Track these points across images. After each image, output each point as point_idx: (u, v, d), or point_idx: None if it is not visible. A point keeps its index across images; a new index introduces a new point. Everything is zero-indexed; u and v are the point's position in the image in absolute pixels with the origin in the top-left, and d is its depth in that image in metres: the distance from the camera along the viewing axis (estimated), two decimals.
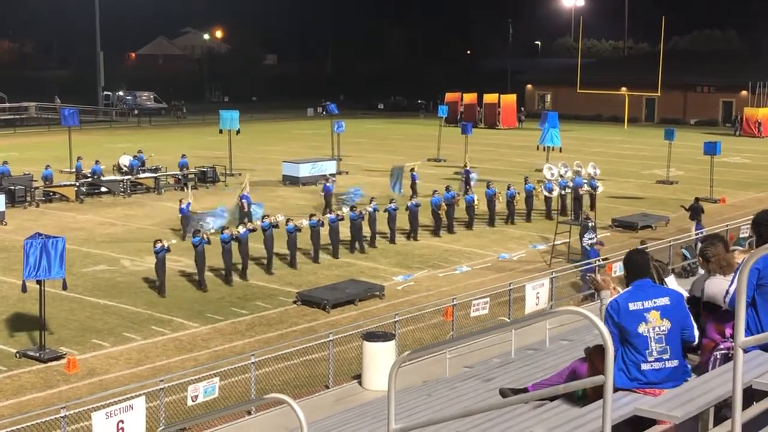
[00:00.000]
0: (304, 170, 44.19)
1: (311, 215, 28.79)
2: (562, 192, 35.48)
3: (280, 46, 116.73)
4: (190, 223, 29.84)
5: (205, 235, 25.30)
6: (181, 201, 31.56)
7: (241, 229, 26.47)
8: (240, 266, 26.34)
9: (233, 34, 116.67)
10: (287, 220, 27.50)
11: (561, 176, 36.34)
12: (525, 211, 35.13)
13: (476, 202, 33.75)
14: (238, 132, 47.84)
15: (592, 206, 35.80)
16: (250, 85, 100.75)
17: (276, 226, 27.31)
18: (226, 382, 16.76)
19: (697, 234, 28.26)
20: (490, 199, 34.30)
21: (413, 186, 37.51)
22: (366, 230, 30.20)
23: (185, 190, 38.43)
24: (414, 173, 38.70)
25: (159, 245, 24.47)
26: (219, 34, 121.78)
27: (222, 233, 25.70)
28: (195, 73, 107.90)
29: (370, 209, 30.25)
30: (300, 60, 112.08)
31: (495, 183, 36.39)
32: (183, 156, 43.59)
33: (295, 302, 24.08)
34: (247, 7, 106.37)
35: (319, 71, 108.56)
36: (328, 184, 36.28)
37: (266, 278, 26.37)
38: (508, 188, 34.98)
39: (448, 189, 33.94)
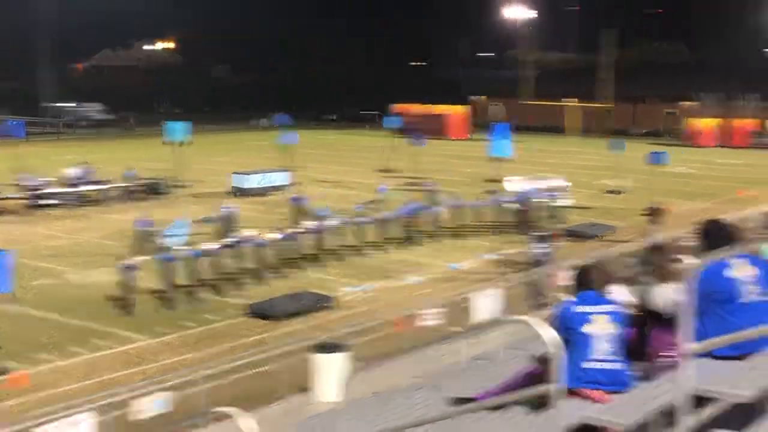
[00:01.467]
0: (254, 181, 44.04)
1: (277, 228, 28.69)
2: (533, 204, 35.94)
3: (232, 57, 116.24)
4: (148, 239, 29.64)
5: (173, 252, 24.99)
6: (148, 214, 31.25)
7: (214, 245, 26.21)
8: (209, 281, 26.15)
9: (184, 45, 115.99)
10: (256, 235, 27.40)
11: (526, 189, 36.92)
12: (491, 224, 35.20)
13: (442, 214, 33.81)
14: (186, 143, 47.55)
15: (559, 218, 36.30)
16: (202, 95, 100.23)
17: (246, 241, 27.13)
18: (176, 396, 16.58)
19: (644, 242, 28.62)
20: (456, 211, 34.38)
21: (381, 199, 37.52)
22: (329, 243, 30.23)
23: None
24: (382, 186, 38.80)
25: (126, 262, 24.07)
26: (169, 45, 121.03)
27: (190, 248, 25.39)
28: (145, 84, 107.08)
29: (337, 221, 30.23)
30: (252, 71, 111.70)
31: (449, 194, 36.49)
32: (131, 168, 43.23)
33: (245, 314, 23.93)
34: (199, 18, 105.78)
35: (272, 82, 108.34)
36: (297, 196, 36.22)
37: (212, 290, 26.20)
38: (474, 200, 35.10)
39: (414, 201, 34.08)
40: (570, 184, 39.17)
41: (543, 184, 38.22)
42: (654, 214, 32.76)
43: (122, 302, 24.23)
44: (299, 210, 35.32)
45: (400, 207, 32.96)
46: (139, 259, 25.71)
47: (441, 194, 37.30)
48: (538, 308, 23.22)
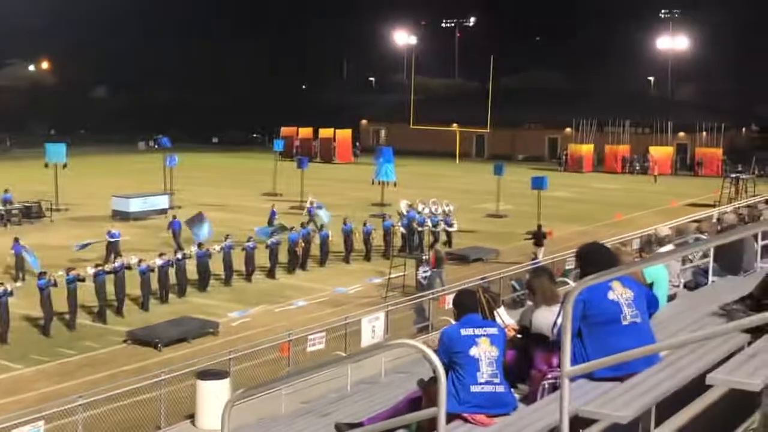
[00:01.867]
0: (135, 205, 43.20)
1: (161, 254, 28.17)
2: (420, 228, 36.16)
3: (111, 78, 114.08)
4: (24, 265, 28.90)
5: (51, 278, 24.22)
6: (17, 239, 30.30)
7: (90, 271, 25.53)
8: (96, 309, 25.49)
9: (60, 66, 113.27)
10: (139, 261, 26.80)
11: (419, 213, 37.17)
12: (377, 248, 35.24)
13: (331, 238, 33.70)
14: (65, 166, 46.39)
15: (449, 243, 36.57)
16: (79, 117, 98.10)
17: (129, 267, 26.50)
18: (53, 426, 16.07)
19: (531, 263, 29.14)
20: (347, 236, 34.34)
21: (271, 223, 37.20)
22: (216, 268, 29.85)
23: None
24: (273, 210, 38.53)
25: (1, 288, 23.22)
26: (45, 65, 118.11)
27: (68, 275, 24.66)
28: (20, 105, 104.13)
29: (223, 246, 29.78)
30: (131, 92, 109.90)
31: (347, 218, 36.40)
32: (6, 191, 41.89)
33: (125, 341, 23.38)
34: (75, 38, 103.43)
35: (152, 104, 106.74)
36: (175, 221, 35.61)
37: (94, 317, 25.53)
38: (365, 224, 35.17)
39: (303, 225, 33.96)
40: (454, 207, 39.68)
41: (429, 208, 38.60)
42: (536, 237, 33.52)
43: None
44: (176, 234, 34.78)
45: (295, 232, 32.86)
46: (13, 285, 24.86)
47: (322, 217, 37.44)
48: (423, 331, 23.40)
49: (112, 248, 31.68)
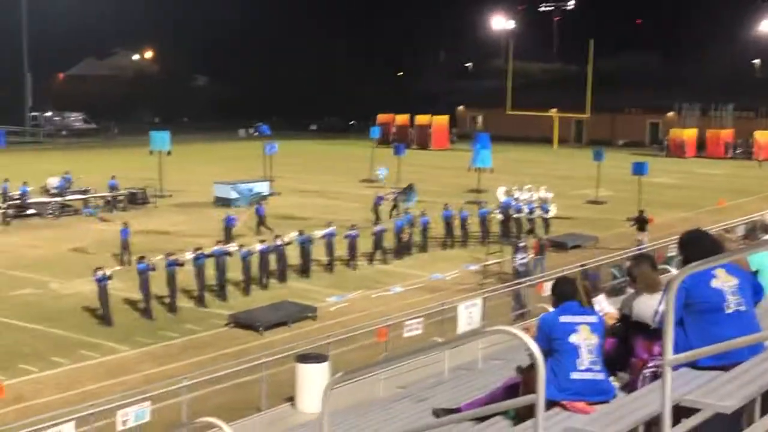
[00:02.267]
0: (237, 191, 43.91)
1: (262, 240, 28.71)
2: (517, 215, 35.98)
3: (212, 67, 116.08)
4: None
5: (150, 262, 24.86)
6: (125, 224, 31.16)
7: (188, 256, 26.13)
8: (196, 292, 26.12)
9: (164, 55, 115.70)
10: (240, 246, 27.40)
11: (516, 199, 36.97)
12: (474, 234, 35.15)
13: (430, 224, 33.83)
14: (169, 153, 47.48)
15: (546, 229, 36.28)
16: (182, 105, 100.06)
17: (229, 253, 27.05)
18: (158, 407, 16.50)
19: (635, 249, 28.71)
20: (448, 222, 34.37)
21: (376, 210, 37.46)
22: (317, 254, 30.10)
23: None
24: (380, 195, 38.82)
25: (100, 273, 23.87)
26: (149, 54, 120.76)
27: (167, 259, 25.30)
28: (125, 93, 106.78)
29: (324, 233, 30.02)
30: (232, 80, 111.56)
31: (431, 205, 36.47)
32: (113, 177, 43.07)
33: (227, 324, 23.84)
34: (178, 27, 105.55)
35: (252, 92, 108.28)
36: (259, 207, 36.14)
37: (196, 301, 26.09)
38: (461, 210, 35.21)
39: (406, 212, 34.16)
40: (552, 194, 39.30)
41: (526, 195, 38.31)
42: (639, 223, 32.97)
43: (101, 312, 24.08)
44: (261, 220, 35.32)
45: (400, 219, 33.14)
46: (114, 269, 25.55)
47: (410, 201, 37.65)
48: (520, 318, 23.28)
49: (227, 232, 32.31)
